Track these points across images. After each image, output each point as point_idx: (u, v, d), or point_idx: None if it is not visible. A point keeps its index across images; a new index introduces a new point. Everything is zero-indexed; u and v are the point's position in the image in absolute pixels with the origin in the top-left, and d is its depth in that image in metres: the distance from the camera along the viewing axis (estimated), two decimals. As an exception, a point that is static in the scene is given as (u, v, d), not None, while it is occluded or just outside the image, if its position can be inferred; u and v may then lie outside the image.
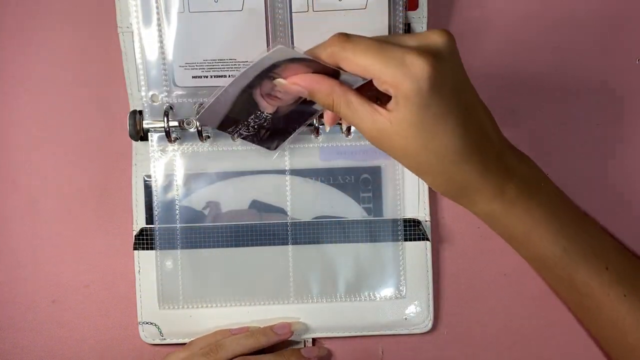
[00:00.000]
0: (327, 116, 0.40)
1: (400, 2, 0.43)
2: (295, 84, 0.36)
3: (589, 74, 0.48)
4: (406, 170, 0.46)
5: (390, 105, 0.35)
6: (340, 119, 0.43)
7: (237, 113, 0.40)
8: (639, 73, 0.48)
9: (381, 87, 0.34)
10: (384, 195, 0.46)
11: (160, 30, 0.43)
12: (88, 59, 0.47)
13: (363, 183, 0.46)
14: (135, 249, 0.46)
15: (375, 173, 0.46)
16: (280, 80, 0.37)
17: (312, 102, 0.40)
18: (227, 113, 0.40)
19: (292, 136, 0.43)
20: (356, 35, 0.35)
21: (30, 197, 0.48)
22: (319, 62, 0.35)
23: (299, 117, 0.41)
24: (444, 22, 0.47)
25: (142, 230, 0.46)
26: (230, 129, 0.41)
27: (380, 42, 0.34)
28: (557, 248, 0.40)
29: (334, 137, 0.46)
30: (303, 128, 0.43)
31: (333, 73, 0.36)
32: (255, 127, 0.41)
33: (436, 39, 0.34)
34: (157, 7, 0.42)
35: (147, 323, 0.46)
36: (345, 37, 0.34)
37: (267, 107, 0.39)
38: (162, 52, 0.43)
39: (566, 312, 0.48)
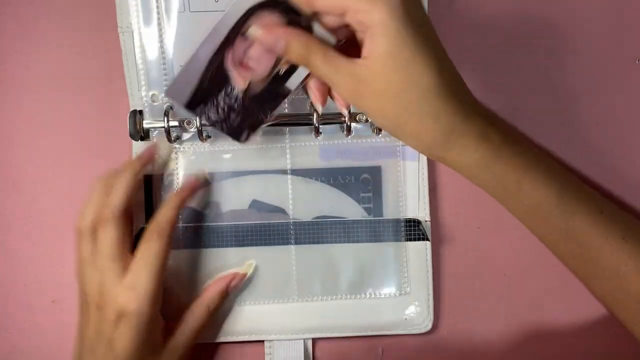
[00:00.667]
0: (315, 91, 0.39)
1: None
2: (272, 32, 0.36)
3: (589, 74, 0.48)
4: (407, 169, 0.46)
5: (366, 45, 0.35)
6: (330, 94, 0.40)
7: (207, 87, 0.39)
8: (639, 73, 0.48)
9: (355, 19, 0.34)
10: (384, 195, 0.46)
11: (160, 30, 0.43)
12: (88, 59, 0.47)
13: (363, 183, 0.46)
14: (133, 250, 0.46)
15: (375, 173, 0.46)
16: (254, 28, 0.36)
17: (284, 79, 0.39)
18: (197, 86, 0.39)
19: (262, 126, 0.41)
20: None
21: (30, 197, 0.48)
22: (291, 14, 0.36)
23: (270, 99, 0.40)
24: (443, 22, 0.47)
25: (141, 230, 0.46)
26: (198, 109, 0.40)
27: None
28: (551, 193, 0.39)
29: (334, 136, 0.46)
30: (272, 117, 0.41)
31: (306, 29, 0.36)
32: (225, 108, 0.40)
33: None
34: (158, 7, 0.42)
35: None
36: None
37: (239, 81, 0.39)
38: (163, 52, 0.43)
39: (567, 311, 0.48)
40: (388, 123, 0.37)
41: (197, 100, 0.39)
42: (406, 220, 0.46)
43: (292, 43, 0.36)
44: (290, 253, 0.46)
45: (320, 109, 0.39)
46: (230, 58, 0.38)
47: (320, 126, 0.45)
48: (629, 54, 0.48)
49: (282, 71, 0.39)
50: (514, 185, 0.39)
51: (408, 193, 0.46)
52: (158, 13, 0.43)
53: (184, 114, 0.44)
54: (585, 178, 0.48)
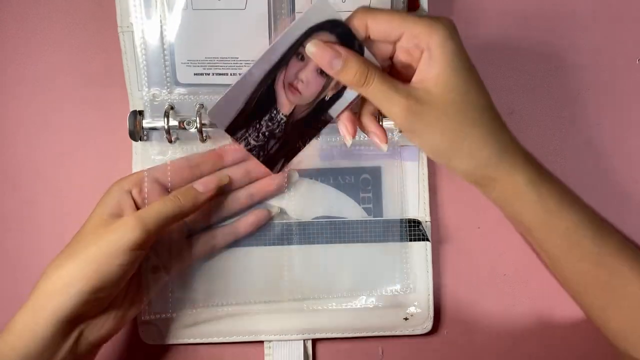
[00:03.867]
0: (347, 123, 0.40)
1: (400, 3, 0.43)
2: (332, 48, 0.37)
3: (589, 74, 0.48)
4: (407, 170, 0.46)
5: (421, 69, 0.36)
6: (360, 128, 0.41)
7: (252, 110, 0.39)
8: (639, 73, 0.48)
9: (412, 42, 0.36)
10: (384, 195, 0.46)
11: (162, 27, 0.43)
12: (88, 59, 0.47)
13: (363, 183, 0.46)
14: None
15: (375, 173, 0.46)
16: (313, 42, 0.37)
17: (327, 106, 0.40)
18: (241, 108, 0.39)
19: (297, 155, 0.42)
20: None
21: (30, 197, 0.48)
22: (345, 40, 0.37)
23: (311, 127, 0.41)
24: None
25: None
26: (239, 134, 0.40)
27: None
28: (587, 217, 0.40)
29: (334, 137, 0.46)
30: (308, 145, 0.42)
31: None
32: (266, 134, 0.40)
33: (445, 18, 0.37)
34: (160, 3, 0.42)
35: (147, 323, 0.46)
36: (370, 8, 0.37)
37: (285, 104, 0.39)
38: (164, 49, 0.43)
39: (567, 311, 0.48)
40: (444, 143, 0.37)
41: (240, 124, 0.40)
42: (406, 221, 0.46)
43: (351, 61, 0.36)
44: (290, 253, 0.46)
45: (349, 142, 0.40)
46: (282, 79, 0.39)
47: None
48: (629, 54, 0.48)
49: (327, 97, 0.39)
50: (555, 206, 0.39)
51: (408, 193, 0.46)
52: (160, 9, 0.42)
53: (185, 112, 0.44)
54: (585, 177, 0.48)
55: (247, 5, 0.42)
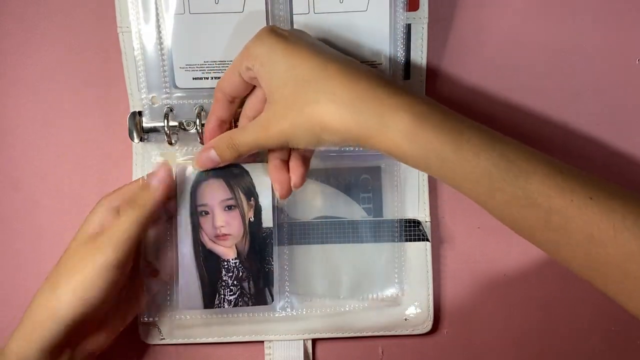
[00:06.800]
0: (274, 183, 0.41)
1: (400, 4, 0.43)
2: (201, 154, 0.41)
3: (589, 74, 0.48)
4: (407, 170, 0.46)
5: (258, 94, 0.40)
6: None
7: (208, 277, 0.42)
8: (639, 73, 0.48)
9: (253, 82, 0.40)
10: (384, 195, 0.46)
11: (159, 32, 0.43)
12: (88, 59, 0.47)
13: (363, 183, 0.46)
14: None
15: (375, 173, 0.46)
16: (194, 163, 0.42)
17: (258, 222, 0.43)
18: (201, 283, 0.42)
19: (275, 276, 0.43)
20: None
21: (30, 197, 0.48)
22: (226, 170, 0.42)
23: (262, 247, 0.43)
24: (444, 23, 0.47)
25: None
26: (217, 302, 0.43)
27: None
28: (496, 156, 0.34)
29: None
30: (277, 263, 0.43)
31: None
32: (235, 283, 0.42)
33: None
34: (157, 9, 0.42)
35: (147, 323, 0.46)
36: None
37: (228, 252, 0.42)
38: (162, 54, 0.43)
39: (566, 312, 0.48)
40: (296, 122, 0.37)
41: (211, 295, 0.43)
42: (406, 221, 0.46)
43: (218, 147, 0.40)
44: (290, 253, 0.46)
45: (282, 197, 0.41)
46: (207, 239, 0.42)
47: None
48: (629, 54, 0.48)
49: (252, 218, 0.42)
50: (451, 152, 0.34)
51: (408, 193, 0.46)
52: (157, 15, 0.42)
53: (184, 116, 0.44)
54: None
55: (244, 8, 0.42)
